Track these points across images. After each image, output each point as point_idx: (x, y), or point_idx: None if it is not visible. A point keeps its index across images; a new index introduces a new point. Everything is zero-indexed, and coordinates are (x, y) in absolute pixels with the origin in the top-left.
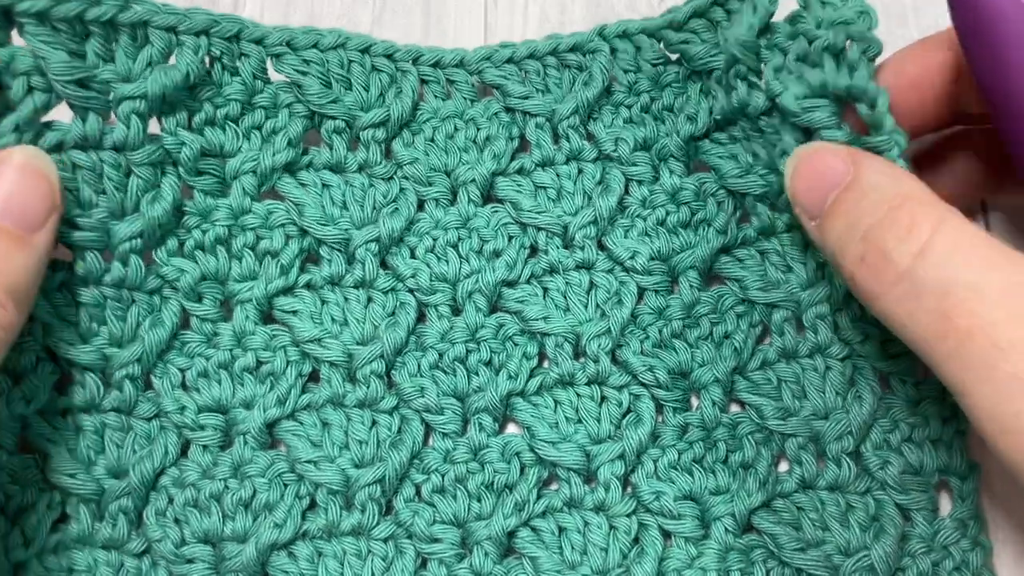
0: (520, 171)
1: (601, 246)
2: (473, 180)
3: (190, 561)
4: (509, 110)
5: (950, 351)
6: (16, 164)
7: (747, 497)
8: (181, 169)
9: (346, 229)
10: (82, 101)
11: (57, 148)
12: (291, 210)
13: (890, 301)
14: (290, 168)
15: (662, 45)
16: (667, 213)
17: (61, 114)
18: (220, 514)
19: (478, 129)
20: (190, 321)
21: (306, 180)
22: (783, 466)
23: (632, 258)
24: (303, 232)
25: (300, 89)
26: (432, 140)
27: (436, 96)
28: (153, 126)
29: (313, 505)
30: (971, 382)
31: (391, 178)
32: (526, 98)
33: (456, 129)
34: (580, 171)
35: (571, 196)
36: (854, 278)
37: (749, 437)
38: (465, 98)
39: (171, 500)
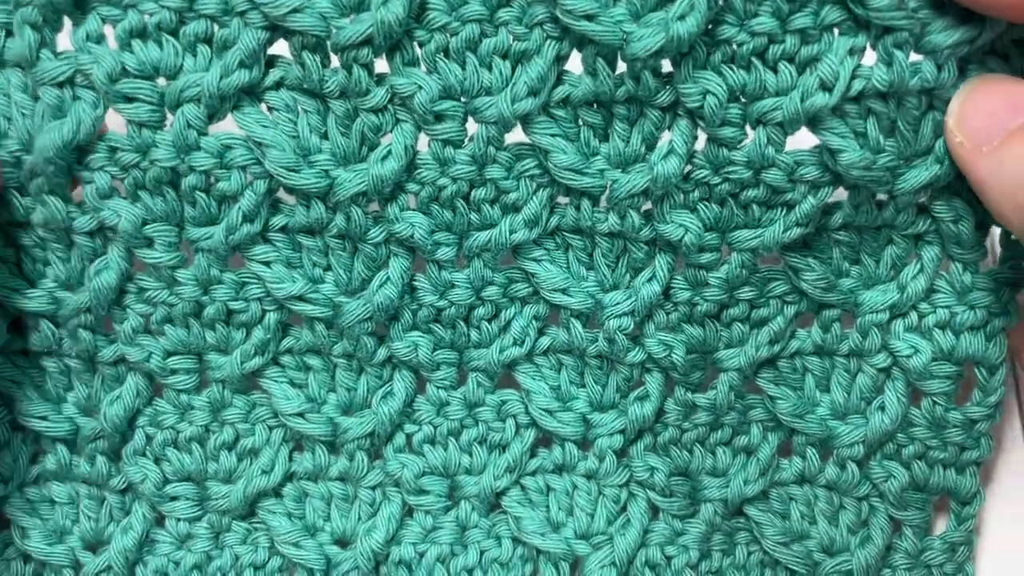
0: (561, 109)
1: (647, 214)
2: (496, 120)
3: (174, 499)
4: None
5: None
6: None
7: (744, 485)
8: (100, 94)
9: (325, 171)
10: None
11: None
12: (253, 149)
13: None
14: (249, 94)
15: None
16: (743, 186)
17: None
18: (202, 455)
19: (513, 40)
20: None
21: (274, 103)
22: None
23: (683, 236)
24: (269, 175)
25: None
26: (444, 53)
27: None
28: None
29: (299, 448)
30: None
31: (383, 109)
32: (590, 17)
33: (479, 37)
34: (642, 116)
35: (623, 145)
36: None
37: (759, 423)
38: None
39: (149, 439)
